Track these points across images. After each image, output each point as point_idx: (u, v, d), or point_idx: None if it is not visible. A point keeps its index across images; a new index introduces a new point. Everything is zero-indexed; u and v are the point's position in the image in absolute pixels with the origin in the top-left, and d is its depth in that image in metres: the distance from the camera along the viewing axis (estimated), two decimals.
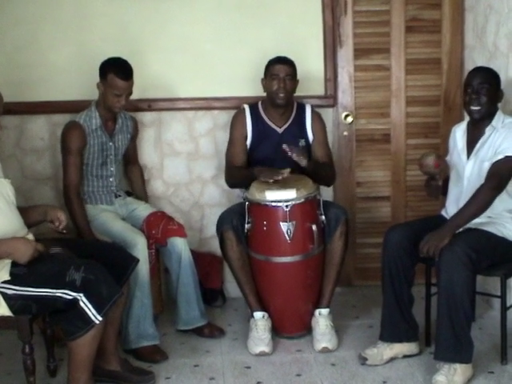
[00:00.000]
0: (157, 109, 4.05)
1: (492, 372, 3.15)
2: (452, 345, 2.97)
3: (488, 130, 3.18)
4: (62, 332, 2.98)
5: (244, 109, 3.78)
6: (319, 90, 4.12)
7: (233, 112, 3.86)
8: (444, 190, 3.39)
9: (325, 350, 3.41)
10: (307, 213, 3.44)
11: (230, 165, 3.77)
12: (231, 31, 4.01)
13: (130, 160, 3.93)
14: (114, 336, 3.11)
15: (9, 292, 2.72)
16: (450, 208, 3.31)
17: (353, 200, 4.24)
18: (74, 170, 3.51)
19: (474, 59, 3.95)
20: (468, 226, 3.08)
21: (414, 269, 3.25)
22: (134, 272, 3.17)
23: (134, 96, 3.63)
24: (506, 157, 3.05)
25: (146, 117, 4.06)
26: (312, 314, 3.53)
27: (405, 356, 3.30)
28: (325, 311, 3.52)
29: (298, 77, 3.71)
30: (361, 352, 3.31)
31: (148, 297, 3.38)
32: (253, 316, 3.51)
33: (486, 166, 3.12)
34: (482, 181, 3.08)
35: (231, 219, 3.51)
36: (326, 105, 4.11)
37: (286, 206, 3.35)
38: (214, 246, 4.01)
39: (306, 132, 3.77)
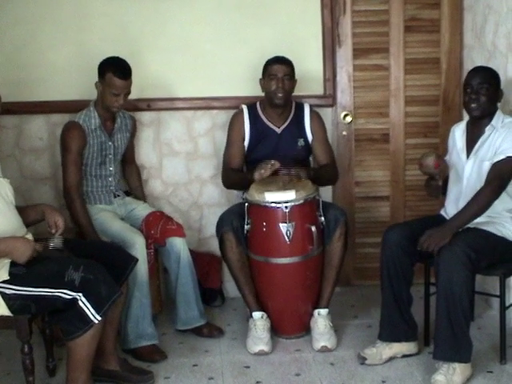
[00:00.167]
0: (156, 108, 4.05)
1: (491, 371, 3.15)
2: (451, 344, 2.97)
3: (488, 129, 3.18)
4: (61, 332, 2.98)
5: (242, 109, 3.78)
6: (318, 89, 4.12)
7: (232, 112, 3.86)
8: (444, 190, 3.39)
9: (324, 349, 3.41)
10: (306, 214, 3.44)
11: (226, 167, 3.77)
12: (230, 31, 4.01)
13: (127, 160, 3.92)
14: (113, 336, 3.11)
15: (8, 292, 2.73)
16: (450, 208, 3.31)
17: (352, 200, 4.24)
18: (74, 170, 3.50)
19: (473, 59, 3.95)
20: (467, 225, 3.08)
21: (412, 268, 3.25)
22: (133, 272, 3.17)
23: (133, 96, 3.63)
24: (507, 157, 3.05)
25: (144, 116, 4.05)
26: (311, 315, 3.53)
27: (404, 355, 3.30)
28: (324, 311, 3.52)
29: (297, 76, 3.71)
30: (360, 352, 3.31)
31: (147, 296, 3.38)
32: (252, 316, 3.51)
33: (486, 165, 3.13)
34: (482, 180, 3.08)
35: (231, 220, 3.51)
36: (325, 104, 4.11)
37: (286, 207, 3.35)
38: (213, 246, 4.02)
39: (304, 131, 3.77)
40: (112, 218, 3.57)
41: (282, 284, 3.48)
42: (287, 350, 3.47)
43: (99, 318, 2.72)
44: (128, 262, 3.11)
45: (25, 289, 2.72)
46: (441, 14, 4.08)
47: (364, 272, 4.27)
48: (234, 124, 3.78)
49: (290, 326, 3.59)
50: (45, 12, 3.92)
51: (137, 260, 3.17)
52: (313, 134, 3.78)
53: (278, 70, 3.63)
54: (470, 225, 3.08)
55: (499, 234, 3.12)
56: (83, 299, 2.69)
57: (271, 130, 3.74)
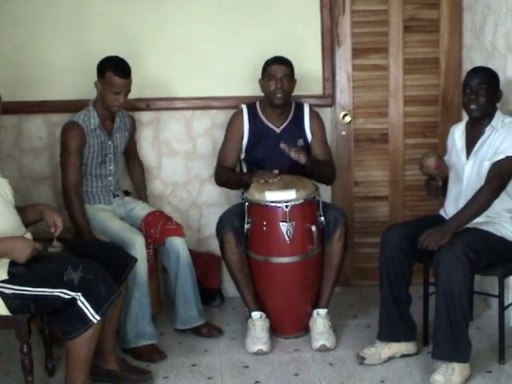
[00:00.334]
0: (155, 108, 4.05)
1: (490, 371, 3.15)
2: (450, 344, 2.97)
3: (488, 129, 3.18)
4: (60, 331, 2.98)
5: (242, 109, 3.78)
6: (317, 89, 4.12)
7: (231, 112, 3.86)
8: (444, 190, 3.40)
9: (323, 348, 3.41)
10: (307, 213, 3.44)
11: (220, 164, 3.78)
12: (229, 31, 4.01)
13: (130, 155, 3.94)
14: (112, 335, 3.11)
15: (7, 291, 2.73)
16: (449, 208, 3.31)
17: (351, 200, 4.24)
18: (73, 170, 3.50)
19: (472, 59, 3.95)
20: (467, 225, 3.08)
21: (411, 268, 3.25)
22: (133, 271, 3.17)
23: (132, 95, 3.63)
24: (507, 157, 3.06)
25: (144, 116, 4.05)
26: (310, 315, 3.53)
27: (403, 355, 3.30)
28: (323, 311, 3.52)
29: (296, 76, 3.71)
30: (359, 351, 3.31)
31: (146, 296, 3.38)
32: (251, 316, 3.52)
33: (486, 165, 3.13)
34: (482, 181, 3.08)
35: (231, 221, 3.50)
36: (324, 104, 4.11)
37: (286, 207, 3.35)
38: (213, 246, 4.02)
39: (304, 131, 3.77)
40: (112, 217, 3.57)
41: (281, 283, 3.49)
42: (286, 350, 3.47)
43: (98, 318, 2.72)
44: (127, 261, 3.11)
45: (24, 288, 2.72)
46: (440, 14, 4.08)
47: (363, 272, 4.27)
48: (233, 123, 3.78)
49: (289, 325, 3.59)
50: (44, 12, 3.92)
51: (136, 260, 3.17)
52: (312, 134, 3.77)
53: (278, 70, 3.62)
54: (470, 225, 3.08)
55: (498, 234, 3.12)
56: (82, 299, 2.69)
57: (271, 130, 3.74)
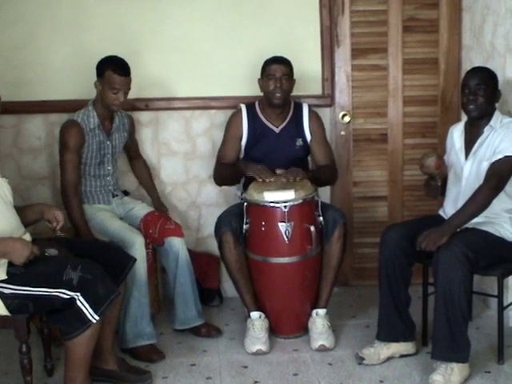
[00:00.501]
0: (154, 108, 4.05)
1: (489, 372, 3.15)
2: (449, 344, 2.97)
3: (486, 129, 3.18)
4: (59, 331, 2.98)
5: (241, 109, 3.78)
6: (317, 89, 4.12)
7: (230, 112, 3.86)
8: (443, 190, 3.40)
9: (322, 348, 3.41)
10: (305, 214, 3.44)
11: (218, 163, 3.78)
12: (229, 31, 4.01)
13: (133, 155, 3.95)
14: (111, 335, 3.11)
15: (6, 291, 2.72)
16: (448, 208, 3.31)
17: (350, 200, 4.24)
18: (72, 168, 3.50)
19: (472, 59, 3.96)
20: (466, 225, 3.08)
21: (410, 268, 3.25)
22: (132, 271, 3.17)
23: (132, 95, 3.63)
24: (506, 156, 3.06)
25: (143, 116, 4.05)
26: (309, 315, 3.53)
27: (402, 355, 3.30)
28: (322, 311, 3.52)
29: (296, 76, 3.71)
30: (358, 351, 3.31)
31: (145, 296, 3.38)
32: (249, 316, 3.52)
33: (485, 165, 3.13)
34: (481, 181, 3.08)
35: (230, 221, 3.51)
36: (324, 104, 4.11)
37: (285, 207, 3.35)
38: (212, 246, 4.02)
39: (303, 131, 3.77)
40: (111, 217, 3.57)
41: (280, 284, 3.48)
42: (285, 350, 3.47)
43: (97, 318, 2.72)
44: (126, 261, 3.11)
45: (23, 288, 2.72)
46: (439, 14, 4.08)
47: (362, 272, 4.27)
48: (232, 123, 3.78)
49: (288, 325, 3.59)
50: (43, 12, 3.92)
51: (135, 260, 3.17)
52: (311, 134, 3.77)
53: (277, 69, 3.62)
54: (469, 225, 3.09)
55: (497, 234, 3.12)
56: (81, 299, 2.69)
57: (270, 130, 3.74)
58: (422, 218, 3.45)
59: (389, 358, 3.28)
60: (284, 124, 3.75)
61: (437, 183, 3.29)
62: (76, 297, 2.69)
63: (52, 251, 2.88)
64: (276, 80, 3.62)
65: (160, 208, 3.86)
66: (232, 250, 3.50)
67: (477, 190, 3.04)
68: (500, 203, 3.13)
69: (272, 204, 3.38)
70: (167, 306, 3.81)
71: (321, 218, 3.49)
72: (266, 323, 3.49)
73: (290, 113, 3.77)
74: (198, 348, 3.52)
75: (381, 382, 3.12)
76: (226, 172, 3.74)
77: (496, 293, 3.22)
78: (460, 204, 3.13)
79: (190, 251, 3.67)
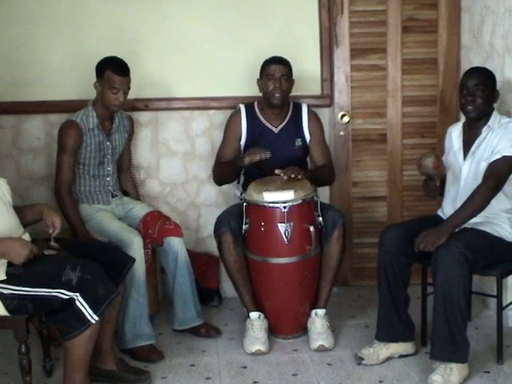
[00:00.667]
0: (153, 108, 4.05)
1: (488, 372, 3.15)
2: (448, 344, 2.97)
3: (484, 130, 3.18)
4: (58, 332, 2.97)
5: (240, 109, 3.78)
6: (316, 89, 4.13)
7: (229, 112, 3.86)
8: (441, 191, 3.40)
9: (321, 348, 3.41)
10: (305, 214, 3.44)
11: (217, 162, 3.78)
12: (228, 31, 4.02)
13: (123, 166, 3.88)
14: (110, 336, 3.11)
15: (5, 292, 2.72)
16: (447, 208, 3.31)
17: (349, 200, 4.24)
18: (67, 168, 3.51)
19: (471, 59, 3.96)
20: (464, 225, 3.08)
21: (409, 269, 3.25)
22: (131, 272, 3.17)
23: (131, 95, 3.63)
24: (503, 157, 3.06)
25: (142, 116, 4.06)
26: (308, 315, 3.53)
27: (401, 356, 3.30)
28: (321, 312, 3.52)
29: (295, 77, 3.71)
30: (357, 352, 3.31)
31: (144, 296, 3.38)
32: (249, 316, 3.52)
33: (483, 166, 3.13)
34: (479, 181, 3.08)
35: (229, 221, 3.51)
36: (323, 105, 4.11)
37: (284, 207, 3.35)
38: (211, 246, 4.02)
39: (302, 131, 3.77)
40: (110, 217, 3.57)
41: (279, 284, 3.48)
42: (284, 350, 3.47)
43: (96, 318, 2.72)
44: (125, 261, 3.11)
45: (22, 289, 2.71)
46: (438, 14, 4.08)
47: (361, 272, 4.27)
48: (231, 123, 3.78)
49: (287, 326, 3.59)
50: (42, 12, 3.92)
51: (134, 260, 3.17)
52: (311, 135, 3.78)
53: (276, 70, 3.63)
54: (467, 225, 3.09)
55: (496, 235, 3.12)
56: (80, 299, 2.69)
57: (269, 130, 3.74)
58: (421, 219, 3.45)
59: (388, 358, 3.28)
60: (283, 124, 3.75)
61: (435, 183, 3.29)
62: (75, 297, 2.69)
63: (52, 245, 2.88)
64: (275, 80, 3.62)
65: None
66: (231, 251, 3.50)
67: (475, 190, 3.04)
68: (498, 203, 3.13)
69: (271, 204, 3.38)
70: (166, 306, 3.81)
71: (320, 219, 3.50)
72: (265, 323, 3.49)
73: (289, 113, 3.77)
74: (197, 348, 3.52)
75: (380, 382, 3.12)
76: (224, 169, 3.74)
77: (495, 293, 3.22)
78: (458, 204, 3.13)
79: (189, 251, 3.67)
